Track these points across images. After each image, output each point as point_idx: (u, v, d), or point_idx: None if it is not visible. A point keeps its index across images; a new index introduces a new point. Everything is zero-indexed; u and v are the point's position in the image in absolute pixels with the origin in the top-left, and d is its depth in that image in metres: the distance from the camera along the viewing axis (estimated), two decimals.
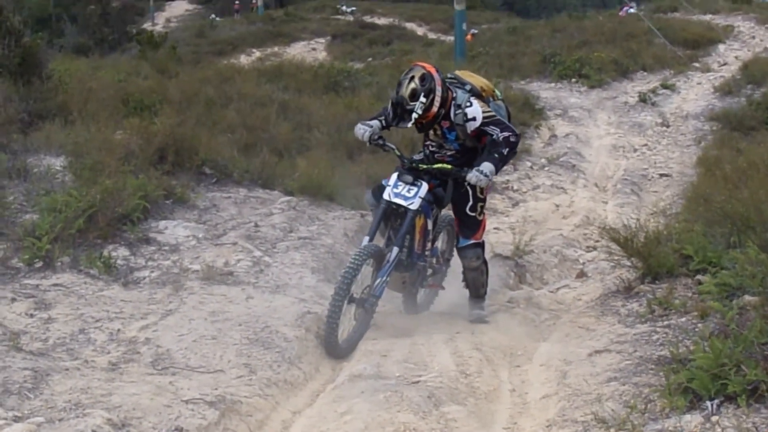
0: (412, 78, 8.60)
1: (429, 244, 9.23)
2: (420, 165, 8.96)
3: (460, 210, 9.19)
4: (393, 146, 9.11)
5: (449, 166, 8.92)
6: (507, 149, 8.76)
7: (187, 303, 8.84)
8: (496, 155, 8.71)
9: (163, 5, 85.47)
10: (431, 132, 9.09)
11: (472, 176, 8.61)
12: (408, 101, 8.55)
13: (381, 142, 9.06)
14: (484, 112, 8.84)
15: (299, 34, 58.06)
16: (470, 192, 9.05)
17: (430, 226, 9.10)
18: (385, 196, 8.77)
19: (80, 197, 9.90)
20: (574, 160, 19.13)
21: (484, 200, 9.28)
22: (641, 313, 8.58)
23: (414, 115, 8.55)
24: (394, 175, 8.88)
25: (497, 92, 9.59)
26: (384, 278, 8.59)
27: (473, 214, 9.16)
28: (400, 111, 8.65)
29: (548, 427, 6.66)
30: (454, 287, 9.99)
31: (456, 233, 9.39)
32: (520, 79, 27.56)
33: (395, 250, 8.64)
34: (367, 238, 8.68)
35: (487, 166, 8.62)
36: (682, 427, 5.74)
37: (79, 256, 9.45)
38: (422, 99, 8.52)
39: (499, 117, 8.96)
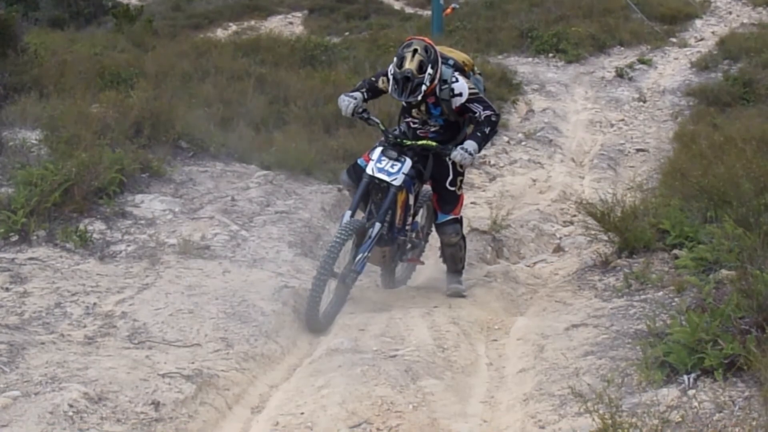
0: (416, 51, 8.57)
1: (410, 219, 9.23)
2: (404, 141, 8.93)
3: (440, 185, 9.19)
4: (378, 120, 9.06)
5: (434, 143, 8.90)
6: (489, 128, 8.80)
7: (164, 277, 8.82)
8: (479, 134, 8.75)
9: None
10: (414, 110, 9.05)
11: (457, 154, 8.63)
12: (416, 74, 8.51)
13: (366, 115, 9.00)
14: (469, 88, 8.86)
15: (276, 7, 57.67)
16: (450, 167, 9.05)
17: (411, 201, 9.11)
18: (369, 170, 8.74)
19: (56, 171, 9.85)
20: (551, 135, 19.12)
21: (463, 174, 9.29)
22: (618, 287, 8.62)
23: (423, 87, 8.56)
24: (378, 150, 8.84)
25: (475, 67, 9.60)
26: (365, 254, 8.60)
27: (453, 188, 9.16)
28: (411, 86, 8.57)
29: (525, 401, 6.68)
30: (432, 261, 10.00)
31: (435, 209, 9.37)
32: (498, 53, 27.48)
33: (377, 225, 8.62)
34: (348, 213, 8.68)
35: (470, 144, 8.65)
36: (658, 401, 5.75)
37: (55, 230, 9.42)
38: (429, 70, 8.56)
39: (481, 95, 8.99)
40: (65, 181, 9.78)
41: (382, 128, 9.04)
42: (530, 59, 27.14)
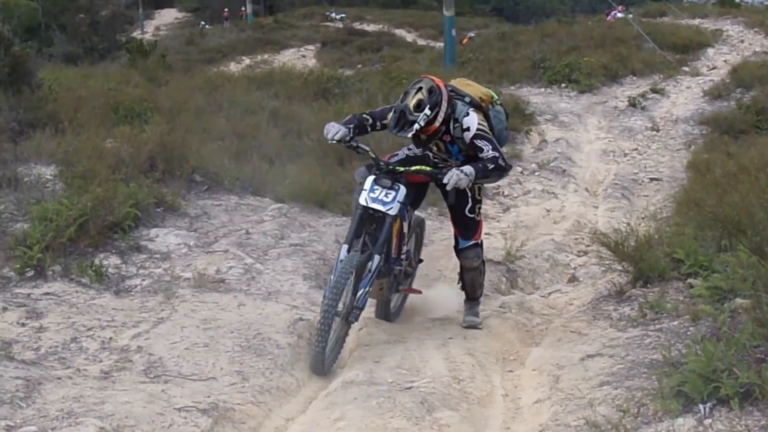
0: (420, 89, 8.47)
1: (404, 248, 9.08)
2: (397, 168, 8.73)
3: (460, 212, 9.12)
4: (367, 148, 8.84)
5: (428, 168, 8.72)
6: (492, 166, 8.47)
7: (179, 311, 8.83)
8: (480, 165, 8.43)
9: (152, 13, 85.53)
10: (434, 148, 8.99)
11: (452, 175, 8.27)
12: (412, 111, 8.39)
13: (354, 144, 8.78)
14: (479, 124, 8.67)
15: (289, 41, 58.16)
16: (469, 194, 9.02)
17: (405, 229, 8.94)
18: (362, 201, 8.53)
19: (71, 206, 9.89)
20: (565, 165, 19.14)
21: (481, 201, 9.24)
22: (633, 317, 8.59)
23: (416, 126, 8.39)
24: (370, 179, 8.63)
25: (495, 97, 9.49)
26: (366, 288, 8.34)
27: (472, 215, 9.11)
28: (403, 120, 8.47)
29: None
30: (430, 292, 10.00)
31: (455, 235, 9.29)
32: (510, 84, 27.56)
33: (377, 258, 8.41)
34: (345, 247, 8.41)
35: (467, 167, 8.36)
36: (675, 431, 5.74)
37: (71, 265, 9.45)
38: (427, 111, 8.39)
39: (492, 137, 8.74)
40: (80, 216, 9.81)
41: (373, 155, 8.82)
42: (543, 89, 27.23)
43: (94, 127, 13.18)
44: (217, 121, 15.95)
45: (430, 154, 9.05)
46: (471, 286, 9.51)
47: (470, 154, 8.84)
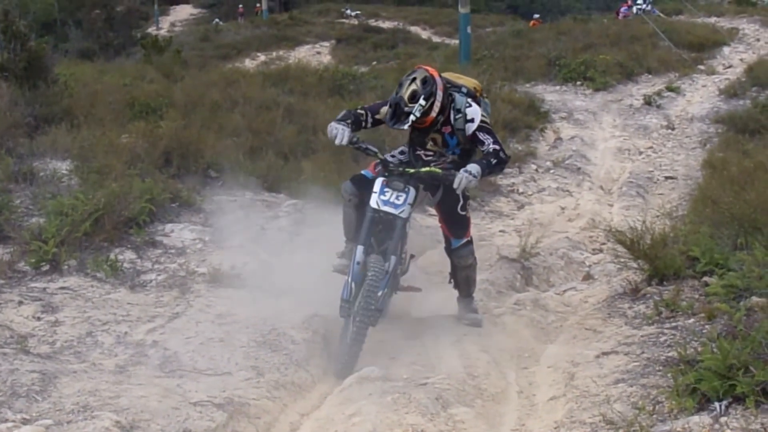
0: (414, 80, 8.36)
1: (405, 248, 9.04)
2: (407, 170, 8.61)
3: (452, 211, 9.01)
4: (376, 149, 8.69)
5: (438, 170, 8.55)
6: (495, 160, 8.42)
7: (194, 306, 8.85)
8: (485, 161, 8.37)
9: (167, 9, 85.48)
10: (430, 142, 8.87)
11: (462, 178, 8.14)
12: (407, 102, 8.29)
13: (363, 145, 8.61)
14: (482, 115, 8.66)
15: (304, 37, 58.08)
16: (459, 192, 8.82)
17: (408, 230, 8.92)
18: (373, 204, 8.40)
19: (86, 201, 9.92)
20: (580, 163, 19.11)
21: (469, 197, 9.20)
22: (648, 314, 8.56)
23: (411, 118, 8.29)
24: (380, 180, 8.51)
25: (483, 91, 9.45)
26: (385, 290, 8.24)
27: (464, 213, 9.03)
28: (398, 112, 8.37)
29: (556, 429, 6.66)
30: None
31: (446, 235, 9.19)
32: (525, 81, 27.49)
33: (393, 259, 8.36)
34: (361, 248, 8.33)
35: (474, 167, 8.25)
36: (690, 428, 5.72)
37: (86, 260, 9.48)
38: (422, 102, 8.28)
39: (493, 130, 8.73)
40: (96, 210, 9.85)
41: (381, 157, 8.71)
42: (558, 87, 27.16)
43: (109, 122, 13.23)
44: (232, 117, 15.98)
45: (422, 153, 8.91)
46: (466, 283, 9.39)
47: (467, 148, 8.83)
